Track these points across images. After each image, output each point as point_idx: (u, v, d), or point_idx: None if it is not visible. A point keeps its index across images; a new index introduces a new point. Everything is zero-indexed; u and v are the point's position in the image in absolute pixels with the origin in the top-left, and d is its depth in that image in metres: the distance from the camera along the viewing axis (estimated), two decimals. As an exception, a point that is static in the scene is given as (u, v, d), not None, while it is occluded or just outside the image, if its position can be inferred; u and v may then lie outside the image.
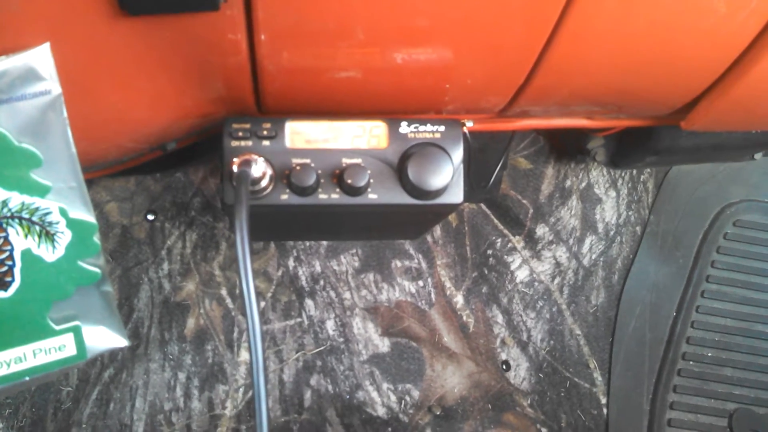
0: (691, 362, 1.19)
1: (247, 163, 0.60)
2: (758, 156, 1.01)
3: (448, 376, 1.13)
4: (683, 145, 0.90)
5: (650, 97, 0.68)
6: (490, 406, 1.13)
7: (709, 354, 1.20)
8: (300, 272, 1.13)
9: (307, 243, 1.14)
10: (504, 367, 1.16)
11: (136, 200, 1.11)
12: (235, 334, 1.08)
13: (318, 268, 1.13)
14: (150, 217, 1.10)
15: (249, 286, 0.54)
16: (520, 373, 1.16)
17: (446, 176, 0.64)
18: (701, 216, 1.25)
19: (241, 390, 1.06)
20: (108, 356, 1.04)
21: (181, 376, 1.06)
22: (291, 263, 1.13)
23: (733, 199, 1.26)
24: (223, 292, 1.10)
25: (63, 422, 1.01)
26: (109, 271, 1.07)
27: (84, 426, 1.02)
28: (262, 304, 1.11)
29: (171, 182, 1.12)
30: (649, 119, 0.78)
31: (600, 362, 1.19)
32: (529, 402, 1.15)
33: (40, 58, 0.48)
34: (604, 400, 1.17)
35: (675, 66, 0.61)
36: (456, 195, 0.66)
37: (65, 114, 0.51)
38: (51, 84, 0.50)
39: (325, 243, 1.14)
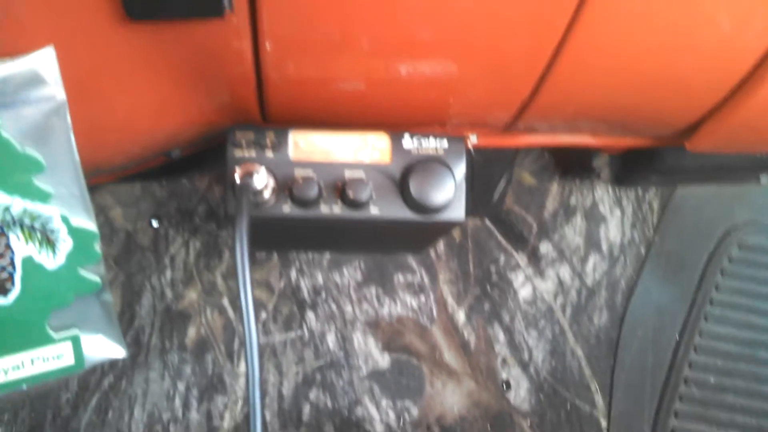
0: (693, 387, 1.18)
1: (249, 174, 0.60)
2: (764, 179, 1.01)
3: (448, 394, 1.12)
4: (687, 166, 0.90)
5: (655, 116, 0.68)
6: (489, 426, 1.13)
7: (712, 380, 1.18)
8: (302, 284, 1.12)
9: (310, 254, 1.13)
10: (504, 386, 1.15)
11: (141, 206, 1.11)
12: (236, 345, 1.08)
13: (320, 280, 1.13)
14: (154, 223, 1.10)
15: (247, 298, 0.54)
16: (520, 393, 1.15)
17: (448, 193, 0.64)
18: (706, 238, 1.24)
19: (240, 402, 1.06)
20: (108, 364, 1.04)
21: (181, 386, 1.06)
22: (293, 274, 1.12)
23: (739, 221, 1.25)
24: (225, 301, 1.09)
25: (61, 429, 1.01)
26: (112, 277, 1.06)
27: (81, 433, 1.01)
28: (263, 315, 1.10)
29: (176, 189, 1.12)
30: (654, 139, 0.78)
31: (601, 384, 1.18)
32: (528, 423, 1.14)
33: (45, 62, 0.48)
34: (604, 424, 1.16)
35: (680, 85, 0.61)
36: (458, 211, 0.66)
37: (69, 120, 0.52)
38: (55, 89, 0.50)
39: (327, 255, 1.14)
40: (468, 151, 0.67)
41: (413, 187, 0.63)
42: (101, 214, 1.06)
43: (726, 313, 1.21)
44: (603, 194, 1.25)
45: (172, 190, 1.11)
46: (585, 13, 0.51)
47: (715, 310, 1.21)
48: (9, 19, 0.44)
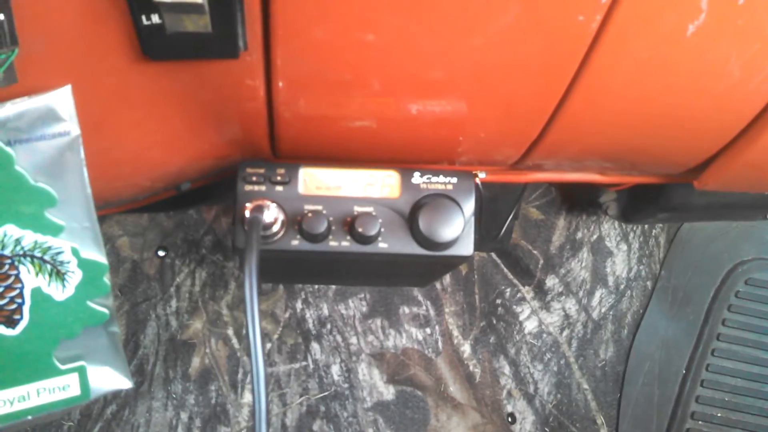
0: (700, 422, 1.17)
1: (259, 209, 0.61)
2: (771, 216, 1.01)
3: (453, 427, 1.12)
4: (695, 203, 0.90)
5: (663, 156, 0.68)
6: (494, 459, 1.12)
7: (719, 414, 1.17)
8: (307, 315, 1.12)
9: (316, 286, 1.13)
10: (509, 419, 1.14)
11: (148, 236, 1.11)
12: (240, 375, 1.07)
13: (325, 312, 1.13)
14: (161, 253, 1.11)
15: (255, 333, 0.53)
16: (525, 427, 1.14)
17: (457, 228, 0.64)
18: (713, 273, 1.24)
19: (243, 432, 1.05)
20: (111, 392, 1.04)
21: (184, 415, 1.05)
22: (299, 305, 1.12)
23: (746, 256, 1.25)
24: (230, 332, 1.09)
25: (62, 458, 1.01)
26: (117, 306, 1.06)
27: (83, 463, 1.01)
28: (268, 345, 1.10)
29: (183, 219, 1.12)
30: (662, 177, 0.78)
31: (607, 418, 1.17)
32: (534, 456, 1.13)
33: (61, 99, 0.49)
34: (611, 457, 1.15)
35: (688, 127, 0.61)
36: (466, 247, 0.66)
37: (82, 155, 0.52)
38: (70, 125, 0.50)
39: (333, 286, 1.14)
40: (477, 187, 0.67)
41: (422, 223, 0.64)
42: (108, 243, 1.07)
43: (733, 348, 1.20)
44: (609, 229, 1.25)
45: (179, 221, 1.12)
46: (595, 57, 0.52)
47: (721, 345, 1.20)
48: (29, 58, 0.45)
